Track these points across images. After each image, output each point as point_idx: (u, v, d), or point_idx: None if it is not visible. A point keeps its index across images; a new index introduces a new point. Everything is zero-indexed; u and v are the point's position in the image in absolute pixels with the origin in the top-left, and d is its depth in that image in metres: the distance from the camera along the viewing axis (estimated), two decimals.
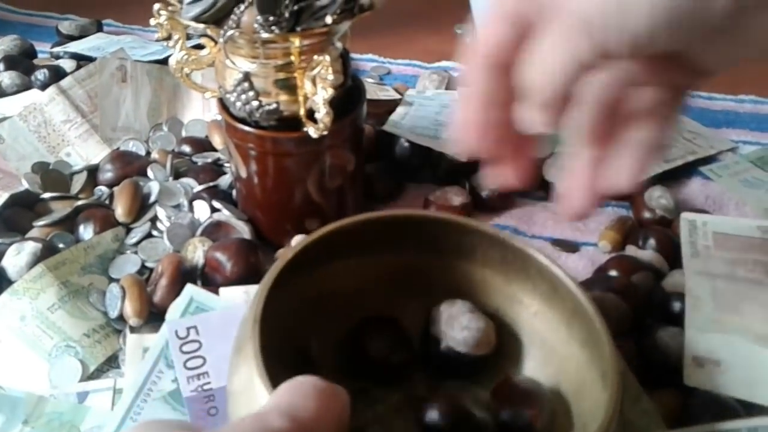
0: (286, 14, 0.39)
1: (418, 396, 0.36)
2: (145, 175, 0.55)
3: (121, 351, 0.43)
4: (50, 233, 0.50)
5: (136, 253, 0.49)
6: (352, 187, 0.50)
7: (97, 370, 0.42)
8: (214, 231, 0.49)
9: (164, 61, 0.64)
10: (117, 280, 0.46)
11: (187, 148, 0.59)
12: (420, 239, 0.38)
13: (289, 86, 0.42)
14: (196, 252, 0.47)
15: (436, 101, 0.64)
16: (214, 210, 0.51)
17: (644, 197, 0.52)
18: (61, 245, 0.49)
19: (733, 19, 0.23)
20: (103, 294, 0.45)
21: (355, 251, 0.37)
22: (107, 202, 0.53)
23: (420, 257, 0.39)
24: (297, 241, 0.47)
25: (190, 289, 0.42)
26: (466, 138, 0.31)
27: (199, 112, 0.63)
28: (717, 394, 0.37)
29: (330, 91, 0.40)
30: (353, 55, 0.76)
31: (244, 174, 0.48)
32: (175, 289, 0.45)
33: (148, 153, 0.60)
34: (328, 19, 0.39)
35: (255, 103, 0.43)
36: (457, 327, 0.36)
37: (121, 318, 0.44)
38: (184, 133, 0.62)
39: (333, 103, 0.41)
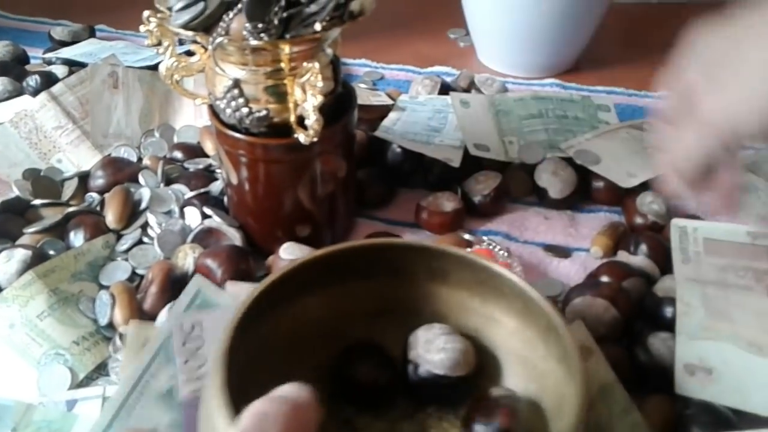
0: (275, 21, 0.38)
1: (400, 429, 0.37)
2: (136, 181, 0.55)
3: (110, 358, 0.43)
4: (41, 240, 0.50)
5: (126, 260, 0.49)
6: (344, 193, 0.50)
7: (86, 378, 0.42)
8: (205, 237, 0.49)
9: (156, 67, 0.63)
10: (107, 288, 0.46)
11: (178, 155, 0.59)
12: (394, 267, 0.38)
13: (279, 93, 0.42)
14: (187, 259, 0.47)
15: (429, 106, 0.63)
16: (205, 216, 0.51)
17: (636, 202, 0.52)
18: (51, 252, 0.49)
19: None
20: (92, 301, 0.45)
21: (330, 281, 0.38)
22: (98, 208, 0.53)
23: (395, 284, 0.39)
24: (284, 248, 0.47)
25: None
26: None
27: (191, 118, 0.63)
28: (710, 404, 0.37)
29: (320, 98, 0.40)
30: (346, 60, 0.76)
31: (235, 180, 0.48)
32: (165, 297, 0.45)
33: (140, 159, 0.59)
34: (318, 26, 0.39)
35: (245, 110, 0.43)
36: (434, 350, 0.36)
37: (110, 325, 0.44)
38: (175, 139, 0.61)
39: (323, 110, 0.41)
